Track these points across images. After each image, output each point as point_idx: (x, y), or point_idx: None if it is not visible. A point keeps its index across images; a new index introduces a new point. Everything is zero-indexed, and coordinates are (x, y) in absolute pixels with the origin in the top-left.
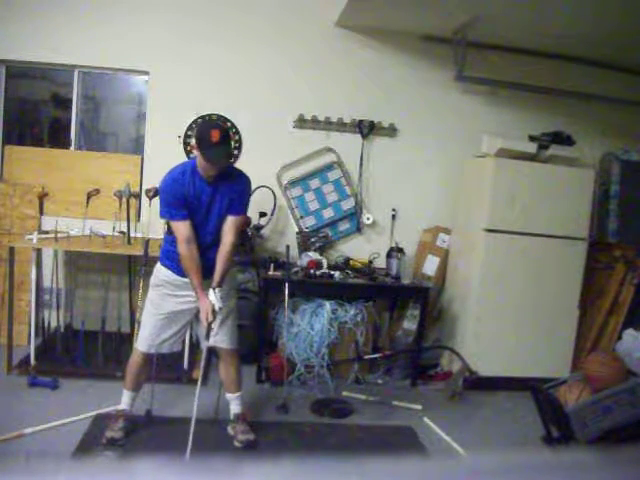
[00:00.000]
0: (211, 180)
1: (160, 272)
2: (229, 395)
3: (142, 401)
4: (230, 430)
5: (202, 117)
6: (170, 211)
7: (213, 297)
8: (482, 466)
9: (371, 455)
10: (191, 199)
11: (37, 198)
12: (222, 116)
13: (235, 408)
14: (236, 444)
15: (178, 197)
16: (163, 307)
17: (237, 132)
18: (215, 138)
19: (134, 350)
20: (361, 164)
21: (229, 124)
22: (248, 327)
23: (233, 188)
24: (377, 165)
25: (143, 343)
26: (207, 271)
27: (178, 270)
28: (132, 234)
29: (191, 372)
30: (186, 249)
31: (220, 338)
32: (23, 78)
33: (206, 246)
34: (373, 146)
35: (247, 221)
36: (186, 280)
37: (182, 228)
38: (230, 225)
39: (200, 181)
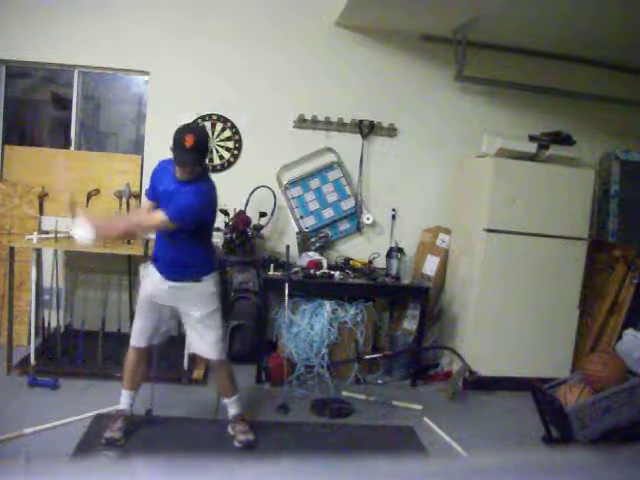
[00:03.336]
0: (181, 179)
1: (148, 267)
2: (225, 400)
3: (142, 401)
4: (230, 430)
5: (202, 117)
6: (147, 190)
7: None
8: (482, 466)
9: (371, 455)
10: (160, 188)
11: (37, 198)
12: (222, 116)
13: (232, 410)
14: (236, 444)
15: (153, 180)
16: (143, 293)
17: (237, 132)
18: (188, 143)
19: (130, 348)
20: (361, 164)
21: (229, 124)
22: (248, 327)
23: (182, 190)
24: (377, 165)
25: (132, 337)
26: (167, 269)
27: (160, 269)
28: None
29: (191, 372)
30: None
31: (197, 347)
32: (23, 78)
33: (165, 244)
34: (373, 146)
35: (247, 221)
36: (168, 284)
37: (146, 205)
38: (151, 211)
39: (172, 176)
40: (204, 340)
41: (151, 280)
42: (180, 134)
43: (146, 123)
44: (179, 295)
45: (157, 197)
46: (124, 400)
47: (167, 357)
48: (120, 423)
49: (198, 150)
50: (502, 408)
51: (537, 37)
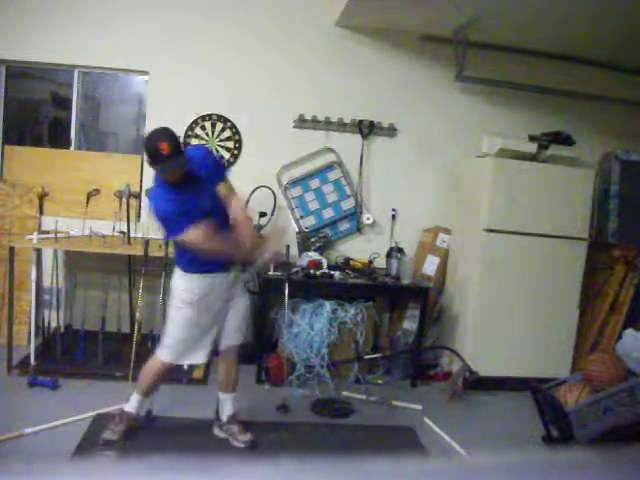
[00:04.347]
0: (180, 180)
1: (189, 283)
2: (226, 395)
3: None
4: (223, 432)
5: (202, 117)
6: (175, 230)
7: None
8: (482, 466)
9: (371, 455)
10: (185, 208)
11: (37, 198)
12: (222, 116)
13: (230, 409)
14: (238, 445)
15: (174, 214)
16: (190, 300)
17: (237, 132)
18: (165, 151)
19: (156, 359)
20: (361, 164)
21: (229, 124)
22: (248, 327)
23: (201, 167)
24: (377, 165)
25: (170, 355)
26: (221, 263)
27: (213, 267)
28: (132, 234)
29: (191, 372)
30: (209, 242)
31: (231, 334)
32: (23, 78)
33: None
34: (373, 146)
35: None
36: (219, 278)
37: (194, 235)
38: (226, 194)
39: (178, 189)
40: (244, 325)
41: (202, 285)
42: (152, 146)
43: (146, 123)
44: (233, 285)
45: (194, 216)
46: (134, 404)
47: None
48: (122, 426)
49: (178, 151)
50: (502, 408)
51: (537, 37)
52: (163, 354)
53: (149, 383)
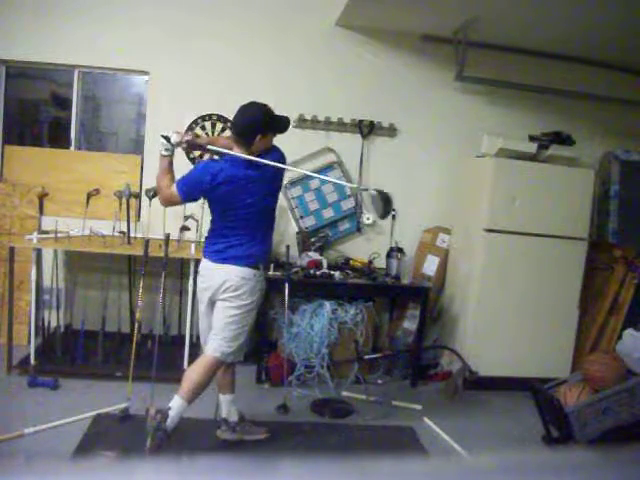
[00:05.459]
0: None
1: (263, 280)
2: (226, 397)
3: (142, 401)
4: (235, 433)
5: (202, 117)
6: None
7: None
8: (482, 466)
9: (371, 455)
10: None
11: (37, 198)
12: (222, 116)
13: (236, 410)
14: (257, 437)
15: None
16: (258, 299)
17: None
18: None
19: (213, 359)
20: (361, 164)
21: (229, 124)
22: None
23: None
24: (377, 165)
25: (232, 355)
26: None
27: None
28: (132, 234)
29: None
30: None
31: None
32: (23, 78)
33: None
34: (373, 146)
35: None
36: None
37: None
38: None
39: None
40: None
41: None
42: (266, 111)
43: (146, 123)
44: None
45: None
46: (179, 412)
47: (167, 357)
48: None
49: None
50: (502, 408)
51: (537, 37)
52: (224, 354)
53: (204, 385)
